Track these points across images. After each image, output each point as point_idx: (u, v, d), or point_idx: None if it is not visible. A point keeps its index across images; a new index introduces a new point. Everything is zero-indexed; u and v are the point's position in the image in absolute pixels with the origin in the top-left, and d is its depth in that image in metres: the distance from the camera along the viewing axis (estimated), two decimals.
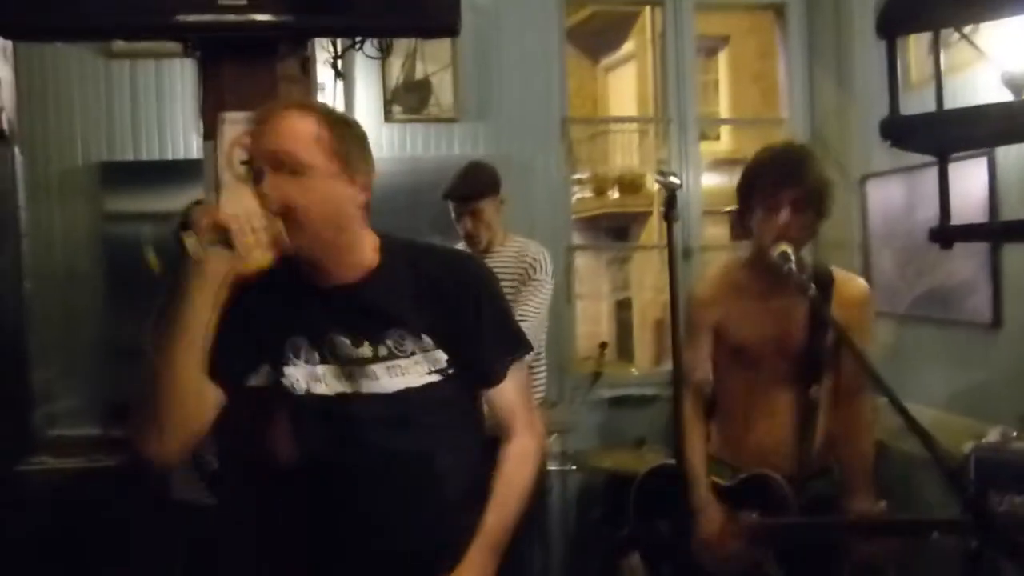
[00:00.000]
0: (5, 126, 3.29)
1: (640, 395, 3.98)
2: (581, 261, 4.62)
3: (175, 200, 3.53)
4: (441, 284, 1.46)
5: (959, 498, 1.78)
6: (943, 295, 3.35)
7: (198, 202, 2.08)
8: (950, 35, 2.15)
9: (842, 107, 4.07)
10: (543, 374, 2.96)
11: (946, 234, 1.76)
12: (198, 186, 1.88)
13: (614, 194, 11.64)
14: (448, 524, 1.46)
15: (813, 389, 2.13)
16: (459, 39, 3.68)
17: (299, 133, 1.35)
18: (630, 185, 11.35)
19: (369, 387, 1.42)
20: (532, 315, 2.74)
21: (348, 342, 1.42)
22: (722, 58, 12.28)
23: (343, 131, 1.41)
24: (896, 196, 3.60)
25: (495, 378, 1.50)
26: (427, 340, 1.43)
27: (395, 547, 1.44)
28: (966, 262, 3.19)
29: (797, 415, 2.16)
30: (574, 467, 3.72)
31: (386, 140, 3.93)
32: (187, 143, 3.73)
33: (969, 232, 2.13)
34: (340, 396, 1.43)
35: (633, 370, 3.72)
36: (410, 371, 1.43)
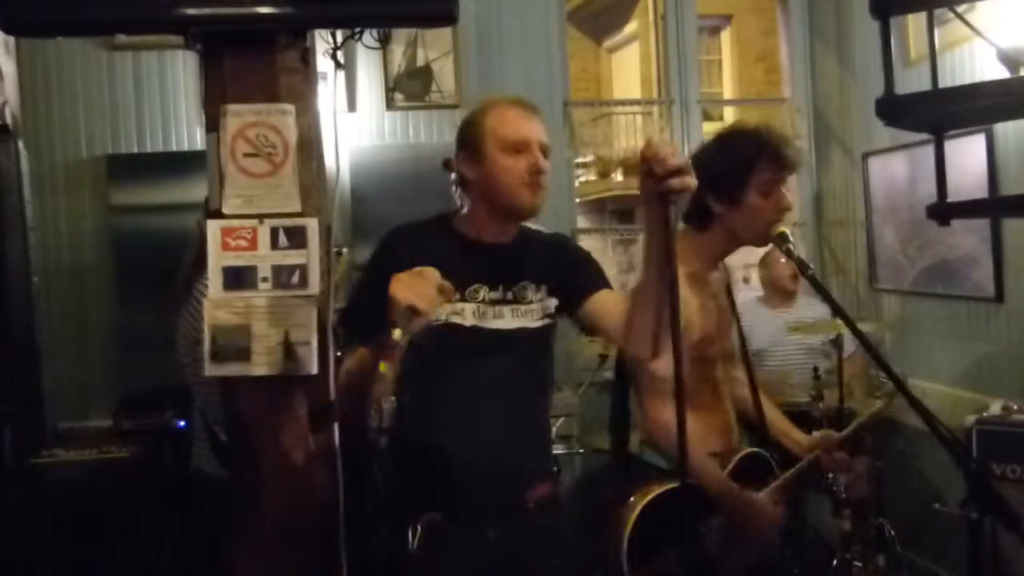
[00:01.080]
0: (9, 120, 3.31)
1: None
2: (586, 244, 4.61)
3: (181, 192, 3.56)
4: (556, 249, 1.89)
5: (961, 470, 1.80)
6: (946, 270, 3.36)
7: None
8: (946, 11, 2.14)
9: (843, 85, 4.06)
10: None
11: (944, 211, 1.78)
12: (204, 178, 1.89)
13: (618, 177, 11.59)
14: (536, 446, 1.88)
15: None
16: (460, 25, 3.69)
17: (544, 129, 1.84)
18: (634, 167, 11.27)
19: (495, 324, 1.77)
20: None
21: (486, 287, 1.78)
22: (725, 37, 12.20)
23: None
24: (898, 172, 3.61)
25: (602, 284, 1.84)
26: (544, 290, 1.82)
27: (499, 463, 1.75)
28: (968, 237, 3.20)
29: (750, 390, 2.25)
30: (581, 450, 3.75)
31: (388, 127, 3.94)
32: (191, 134, 3.75)
33: (967, 208, 2.14)
34: (473, 328, 1.76)
35: None
36: (528, 315, 1.80)
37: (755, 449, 2.19)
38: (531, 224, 1.91)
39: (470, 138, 1.79)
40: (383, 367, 1.51)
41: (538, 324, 1.82)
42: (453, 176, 1.87)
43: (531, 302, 1.82)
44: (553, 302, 1.84)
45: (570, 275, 1.86)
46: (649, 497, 2.10)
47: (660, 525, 2.05)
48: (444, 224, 1.85)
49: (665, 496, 2.09)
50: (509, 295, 1.81)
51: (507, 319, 1.79)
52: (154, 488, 3.17)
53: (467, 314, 1.77)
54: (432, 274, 1.52)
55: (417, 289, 1.49)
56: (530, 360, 1.84)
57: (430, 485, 1.78)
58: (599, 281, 1.87)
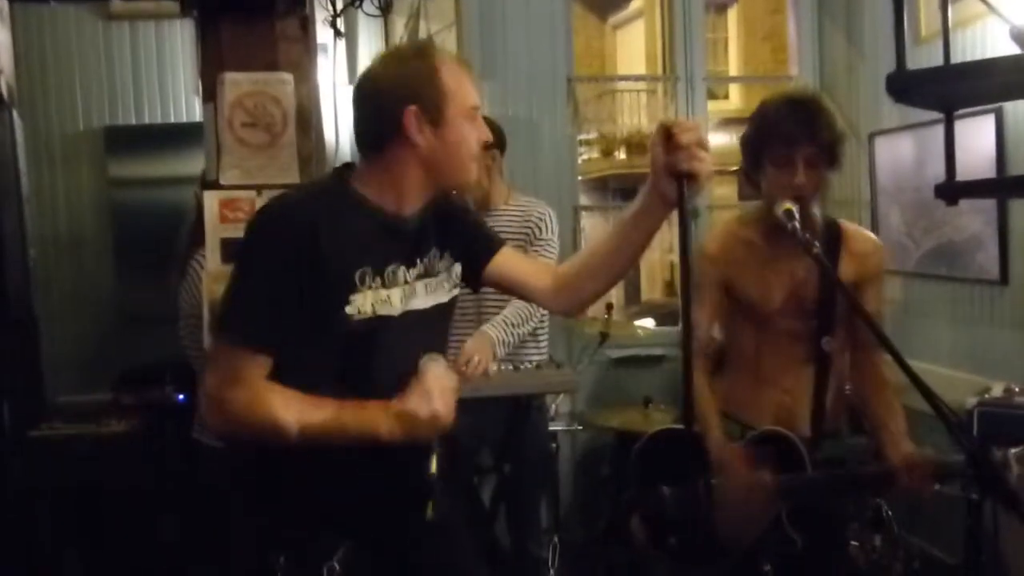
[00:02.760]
0: (4, 90, 3.28)
1: (647, 355, 3.99)
2: (588, 222, 4.60)
3: (181, 165, 3.53)
4: (449, 210, 1.65)
5: (962, 452, 1.79)
6: (951, 252, 3.34)
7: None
8: None
9: (852, 63, 4.02)
10: (545, 337, 2.97)
11: (952, 190, 1.75)
12: (203, 150, 1.87)
13: (621, 155, 11.56)
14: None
15: (824, 341, 2.10)
16: None
17: None
18: (638, 145, 11.24)
19: (414, 304, 1.55)
20: None
21: (404, 266, 1.53)
22: (731, 15, 12.11)
23: None
24: (905, 153, 3.57)
25: (498, 242, 1.72)
26: (448, 257, 1.64)
27: (411, 468, 1.58)
28: (974, 219, 3.17)
29: (811, 371, 2.13)
30: (581, 427, 3.75)
31: None
32: (190, 106, 3.71)
33: (975, 188, 2.12)
34: (403, 315, 1.53)
35: (639, 331, 3.72)
36: (439, 288, 1.61)
37: (783, 432, 2.08)
38: None
39: (429, 95, 1.46)
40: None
41: (448, 297, 1.66)
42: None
43: (439, 272, 1.63)
44: (457, 268, 1.68)
45: (468, 235, 1.71)
46: (660, 429, 2.27)
47: (664, 462, 2.12)
48: (347, 192, 1.52)
49: (673, 435, 2.21)
50: (421, 269, 1.58)
51: (420, 296, 1.57)
52: (154, 462, 3.17)
53: (395, 300, 1.51)
54: (452, 379, 1.51)
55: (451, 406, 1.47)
56: (436, 339, 1.64)
57: (336, 505, 1.54)
58: (495, 238, 1.75)
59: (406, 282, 1.53)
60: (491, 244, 1.72)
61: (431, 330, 1.61)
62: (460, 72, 1.51)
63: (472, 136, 1.51)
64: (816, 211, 2.13)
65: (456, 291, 1.68)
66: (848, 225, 2.20)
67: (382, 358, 1.50)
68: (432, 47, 1.54)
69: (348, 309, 1.45)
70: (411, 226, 1.55)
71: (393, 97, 1.46)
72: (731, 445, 2.09)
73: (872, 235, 2.23)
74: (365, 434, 1.43)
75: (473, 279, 1.72)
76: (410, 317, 1.54)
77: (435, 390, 1.46)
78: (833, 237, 2.12)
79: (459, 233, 1.67)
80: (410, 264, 1.55)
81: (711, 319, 2.22)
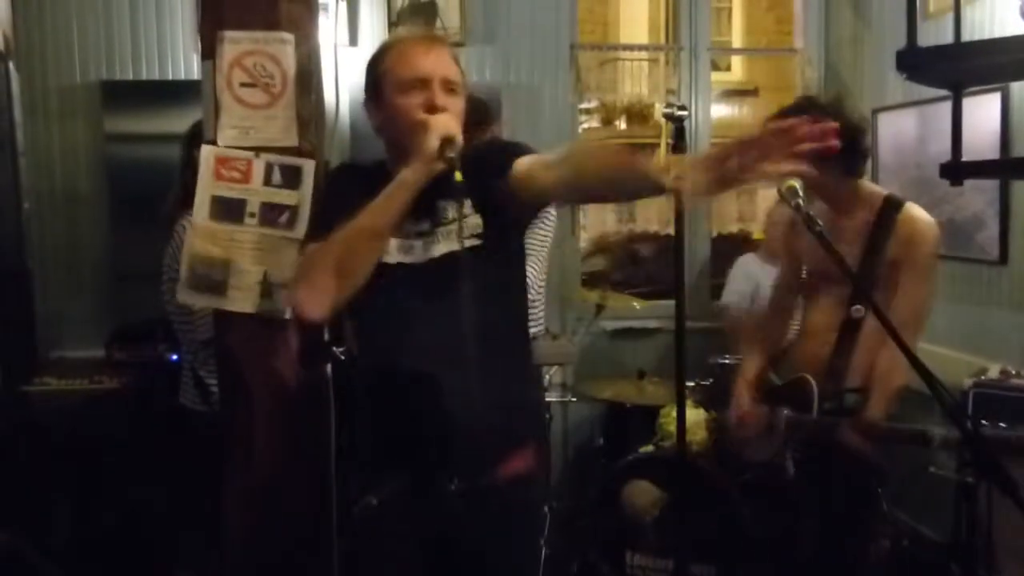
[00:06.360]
0: (0, 42, 3.23)
1: (642, 328, 3.99)
2: None
3: (177, 121, 3.48)
4: (472, 159, 1.62)
5: (959, 433, 1.80)
6: (951, 231, 3.32)
7: (197, 123, 2.05)
8: None
9: (857, 37, 3.97)
10: (542, 308, 2.96)
11: (957, 170, 1.74)
12: (200, 108, 1.84)
13: (622, 124, 11.48)
14: (492, 386, 1.57)
15: (853, 309, 2.28)
16: None
17: (453, 62, 1.66)
18: (639, 115, 11.18)
19: (421, 255, 1.63)
20: (537, 248, 2.73)
21: (410, 219, 1.61)
22: None
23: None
24: (908, 129, 3.54)
25: (513, 159, 1.61)
26: (467, 205, 1.61)
27: (459, 423, 1.58)
28: (976, 198, 3.15)
29: (839, 333, 2.32)
30: (574, 398, 3.76)
31: None
32: (188, 63, 3.66)
33: (980, 168, 2.11)
34: (397, 265, 1.62)
35: (635, 304, 3.71)
36: (451, 237, 1.62)
37: (806, 377, 2.32)
38: None
39: (370, 82, 1.64)
40: (459, 176, 1.51)
41: (461, 246, 1.58)
42: None
43: (453, 220, 1.61)
44: (475, 220, 1.63)
45: (483, 171, 1.60)
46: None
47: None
48: (381, 166, 1.69)
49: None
50: (427, 224, 1.64)
51: (435, 246, 1.64)
52: (144, 420, 3.16)
53: (392, 251, 1.62)
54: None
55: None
56: (473, 291, 1.56)
57: (391, 447, 1.67)
58: (511, 156, 1.62)
59: (406, 235, 1.63)
60: (504, 163, 1.61)
61: (452, 280, 1.58)
62: (405, 50, 1.61)
63: (409, 105, 1.58)
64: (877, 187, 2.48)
65: (474, 242, 1.61)
66: (911, 207, 2.32)
67: (399, 304, 1.62)
68: (398, 37, 1.71)
69: None
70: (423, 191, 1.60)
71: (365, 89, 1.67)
72: (744, 389, 2.46)
73: (930, 221, 2.31)
74: (392, 201, 1.53)
75: (504, 203, 1.64)
76: (416, 268, 1.63)
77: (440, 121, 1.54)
78: (889, 214, 2.30)
79: (476, 173, 1.58)
80: (414, 219, 1.62)
81: (788, 287, 2.59)
